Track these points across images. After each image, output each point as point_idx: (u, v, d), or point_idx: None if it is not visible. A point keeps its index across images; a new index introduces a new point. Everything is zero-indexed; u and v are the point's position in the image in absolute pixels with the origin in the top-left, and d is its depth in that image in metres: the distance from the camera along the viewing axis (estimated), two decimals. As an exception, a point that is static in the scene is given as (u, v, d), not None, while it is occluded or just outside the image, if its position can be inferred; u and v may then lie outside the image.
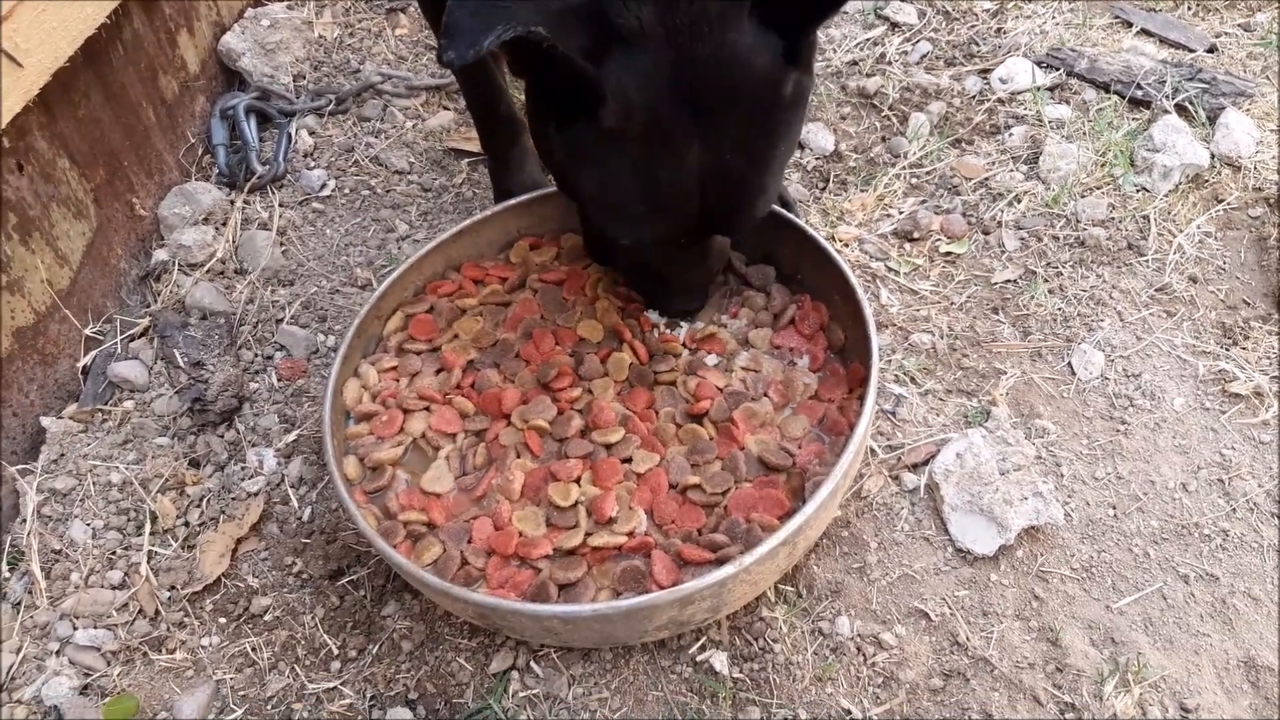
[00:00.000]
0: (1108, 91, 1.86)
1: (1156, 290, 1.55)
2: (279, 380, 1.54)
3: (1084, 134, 1.78)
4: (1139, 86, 1.82)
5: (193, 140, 1.89)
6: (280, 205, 1.81)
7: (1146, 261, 1.58)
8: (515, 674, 1.21)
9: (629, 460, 1.27)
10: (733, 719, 1.16)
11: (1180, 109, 1.77)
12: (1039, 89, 1.86)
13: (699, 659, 1.20)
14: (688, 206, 1.11)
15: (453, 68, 0.97)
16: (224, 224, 1.77)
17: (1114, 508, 1.30)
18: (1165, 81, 1.81)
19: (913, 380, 1.46)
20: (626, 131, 1.02)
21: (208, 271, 1.68)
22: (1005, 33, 2.03)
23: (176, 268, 1.68)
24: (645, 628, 1.11)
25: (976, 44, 2.00)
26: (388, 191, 1.85)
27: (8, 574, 1.34)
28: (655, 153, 1.05)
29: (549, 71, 1.02)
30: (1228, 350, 1.47)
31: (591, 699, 1.18)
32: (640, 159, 1.05)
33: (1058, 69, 1.91)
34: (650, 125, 1.02)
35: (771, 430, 1.28)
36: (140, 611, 1.31)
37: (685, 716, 1.15)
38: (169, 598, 1.32)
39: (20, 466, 1.42)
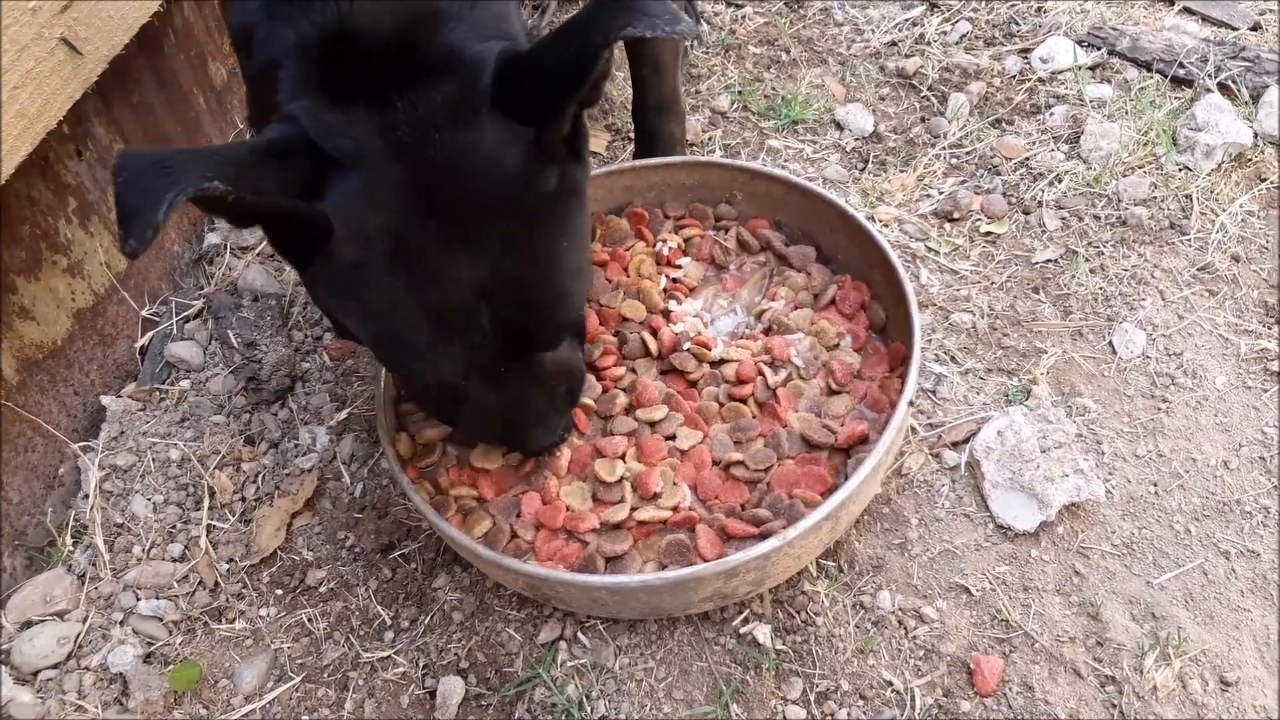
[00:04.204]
0: (1150, 70, 1.85)
1: (1199, 269, 1.54)
2: (329, 360, 1.58)
3: (1126, 113, 1.77)
4: (1181, 65, 1.81)
5: (240, 126, 1.92)
6: (326, 189, 1.84)
7: (1189, 241, 1.58)
8: (563, 644, 1.24)
9: (672, 437, 1.29)
10: (776, 689, 1.18)
11: (1223, 88, 1.76)
12: (1080, 68, 1.86)
13: (742, 631, 1.22)
14: (474, 323, 1.02)
15: (136, 256, 0.82)
16: (272, 208, 1.80)
17: (1155, 485, 1.31)
18: (1208, 60, 1.80)
19: (953, 359, 1.47)
20: (370, 260, 0.95)
21: (258, 254, 1.72)
22: (1045, 12, 2.02)
23: (228, 251, 1.72)
24: (691, 599, 1.13)
25: (1016, 23, 2.00)
26: (431, 175, 1.88)
27: (72, 547, 1.39)
28: (413, 275, 0.97)
29: (270, 217, 0.93)
30: (1270, 329, 1.46)
31: (637, 669, 1.21)
32: (399, 285, 0.97)
33: (1099, 48, 1.90)
34: (396, 248, 0.95)
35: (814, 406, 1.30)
36: (200, 583, 1.36)
37: (729, 686, 1.18)
38: (228, 570, 1.36)
39: (82, 444, 1.47)
